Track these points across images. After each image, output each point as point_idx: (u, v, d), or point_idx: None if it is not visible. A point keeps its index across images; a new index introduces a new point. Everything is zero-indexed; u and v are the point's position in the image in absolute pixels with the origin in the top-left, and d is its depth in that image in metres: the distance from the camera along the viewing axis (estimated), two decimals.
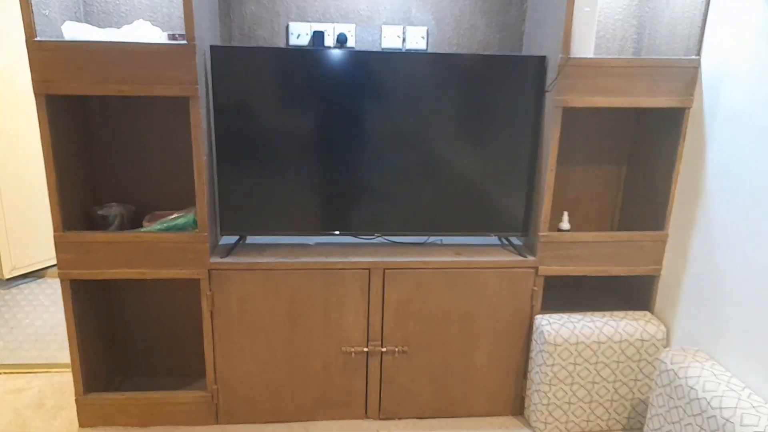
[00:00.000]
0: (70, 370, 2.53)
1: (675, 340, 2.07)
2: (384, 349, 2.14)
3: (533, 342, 2.15)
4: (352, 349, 2.13)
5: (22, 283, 3.53)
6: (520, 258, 2.11)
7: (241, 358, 2.12)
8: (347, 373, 2.16)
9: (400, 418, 2.22)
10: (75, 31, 1.90)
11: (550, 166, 2.01)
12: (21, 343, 2.80)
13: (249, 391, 2.15)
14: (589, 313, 2.13)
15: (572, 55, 1.93)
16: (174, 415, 2.16)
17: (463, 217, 2.16)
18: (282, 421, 2.19)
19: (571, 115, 2.28)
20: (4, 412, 2.23)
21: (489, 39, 2.26)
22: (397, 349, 2.15)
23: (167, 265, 1.99)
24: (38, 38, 1.78)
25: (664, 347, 2.08)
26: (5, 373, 2.51)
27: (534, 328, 2.14)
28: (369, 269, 2.06)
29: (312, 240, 2.26)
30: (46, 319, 3.06)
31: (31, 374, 2.50)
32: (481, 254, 2.14)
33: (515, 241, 2.29)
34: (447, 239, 2.31)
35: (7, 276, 3.43)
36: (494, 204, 2.15)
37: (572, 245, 2.09)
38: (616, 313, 2.14)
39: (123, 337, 2.40)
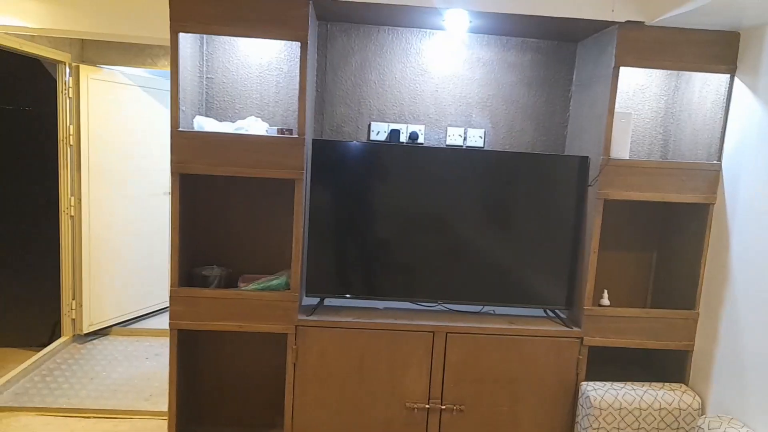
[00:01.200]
0: (151, 417, 2.80)
1: (709, 409, 2.28)
2: (443, 407, 2.38)
3: (579, 407, 2.37)
4: (415, 405, 2.38)
5: (94, 339, 3.84)
6: (566, 329, 2.39)
7: (316, 409, 2.37)
8: (409, 427, 2.40)
9: None
10: (202, 122, 2.36)
11: (593, 249, 2.34)
12: (102, 393, 3.07)
13: None
14: (629, 383, 2.37)
15: (612, 157, 2.31)
16: None
17: (514, 291, 2.47)
18: None
19: (607, 206, 2.64)
20: None
21: (536, 140, 2.68)
22: (455, 407, 2.39)
23: (262, 320, 2.31)
24: (180, 128, 2.23)
25: (700, 416, 2.30)
26: (95, 417, 2.77)
27: (580, 394, 2.37)
28: (433, 332, 2.36)
29: (381, 305, 2.57)
30: (120, 373, 3.35)
31: (118, 419, 2.77)
32: (531, 324, 2.42)
33: (560, 314, 2.57)
34: (499, 310, 2.61)
35: (85, 331, 3.75)
36: (541, 281, 2.46)
37: (613, 319, 2.37)
38: (654, 384, 2.37)
39: (205, 389, 2.67)
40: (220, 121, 2.58)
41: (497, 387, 2.39)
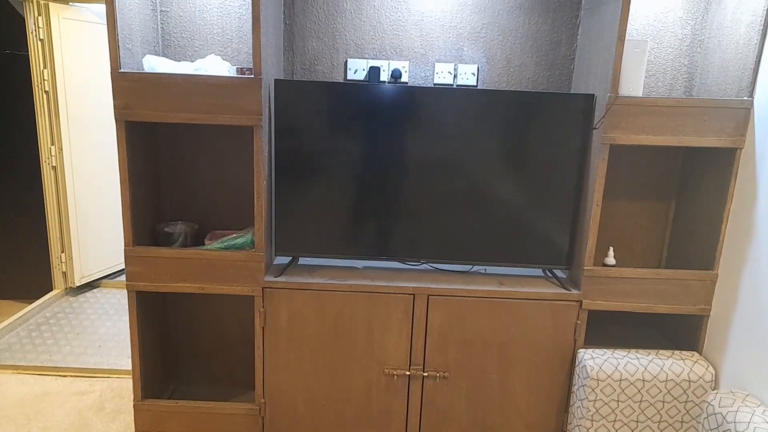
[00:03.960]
0: (129, 376, 2.71)
1: (724, 383, 2.03)
2: (426, 374, 2.19)
3: (575, 376, 2.15)
4: (395, 372, 2.19)
5: (87, 291, 3.77)
6: (563, 291, 2.13)
7: (288, 374, 2.21)
8: (389, 395, 2.22)
9: None
10: (154, 63, 2.10)
11: (595, 201, 2.04)
12: (86, 349, 3.00)
13: (293, 405, 2.24)
14: (633, 350, 2.12)
15: (621, 94, 1.97)
16: (223, 425, 2.27)
17: (507, 248, 2.20)
18: None
19: (617, 149, 2.31)
20: (68, 412, 2.40)
21: (538, 77, 2.33)
22: (438, 374, 2.19)
23: (225, 281, 2.12)
24: (122, 70, 1.97)
25: (713, 389, 2.05)
26: (71, 376, 2.69)
27: (576, 362, 2.14)
28: (414, 294, 2.13)
29: (360, 264, 2.35)
30: (108, 327, 3.27)
31: (94, 378, 2.68)
32: (524, 285, 2.17)
33: (559, 274, 2.31)
34: (490, 269, 2.36)
35: (77, 284, 3.68)
36: (538, 236, 2.18)
37: (617, 281, 2.10)
38: (662, 351, 2.12)
39: (175, 347, 2.54)
40: (178, 60, 2.31)
41: (485, 353, 2.18)
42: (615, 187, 2.34)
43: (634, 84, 2.01)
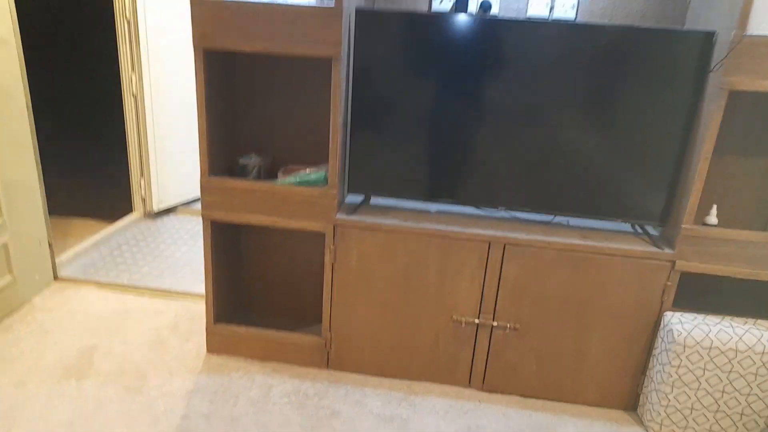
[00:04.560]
0: (202, 300, 2.81)
1: None
2: (495, 324, 2.12)
3: (659, 339, 2.01)
4: (463, 319, 2.14)
5: (164, 216, 3.91)
6: (655, 249, 1.97)
7: (355, 312, 2.20)
8: (455, 342, 2.18)
9: (502, 393, 2.21)
10: None
11: (704, 153, 1.83)
12: (162, 271, 3.12)
13: (359, 343, 2.25)
14: (728, 317, 1.95)
15: (749, 32, 1.71)
16: (290, 354, 2.32)
17: (594, 200, 2.04)
18: (387, 376, 2.27)
19: (733, 96, 2.05)
20: (146, 329, 2.53)
21: (646, 10, 2.07)
22: (508, 326, 2.12)
23: (297, 216, 2.10)
24: None
25: None
26: (149, 296, 2.82)
27: (662, 325, 2.00)
28: (489, 242, 2.03)
29: (433, 207, 2.26)
30: (183, 252, 3.39)
31: (170, 300, 2.80)
32: (610, 240, 2.02)
33: (650, 230, 2.13)
34: (573, 221, 2.21)
35: (155, 209, 3.82)
36: (631, 189, 2.01)
37: (719, 242, 1.91)
38: (761, 321, 1.94)
39: (248, 277, 2.59)
40: None
41: (562, 309, 2.07)
42: (726, 139, 2.10)
43: (765, 21, 1.74)
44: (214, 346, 2.37)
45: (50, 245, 2.85)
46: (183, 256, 3.35)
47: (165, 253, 3.37)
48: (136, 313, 2.66)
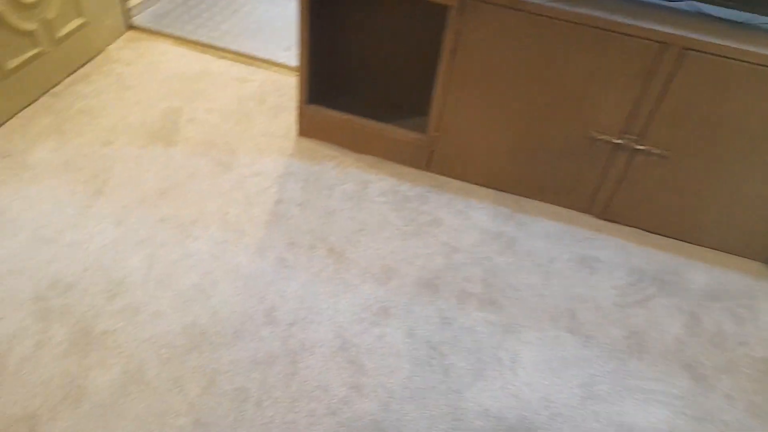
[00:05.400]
0: (289, 72, 2.50)
1: None
2: (640, 147, 1.77)
3: None
4: (601, 137, 1.78)
5: None
6: None
7: (470, 111, 1.87)
8: (584, 161, 1.86)
9: (624, 224, 1.96)
10: None
11: None
12: (242, 31, 2.77)
13: (468, 147, 1.96)
14: None
15: None
16: (388, 149, 2.08)
17: None
18: (493, 187, 2.03)
19: None
20: (230, 98, 2.30)
21: None
22: (657, 151, 1.76)
23: None
24: None
25: None
26: (231, 60, 2.53)
27: None
28: (665, 43, 1.56)
29: None
30: (267, 9, 2.97)
31: (254, 67, 2.50)
32: None
33: None
34: None
35: None
36: None
37: None
38: None
39: (345, 55, 2.22)
40: None
41: (729, 140, 1.67)
42: None
43: None
44: (306, 128, 2.14)
45: None
46: (264, 14, 2.94)
47: (244, 8, 2.96)
48: (219, 77, 2.41)
